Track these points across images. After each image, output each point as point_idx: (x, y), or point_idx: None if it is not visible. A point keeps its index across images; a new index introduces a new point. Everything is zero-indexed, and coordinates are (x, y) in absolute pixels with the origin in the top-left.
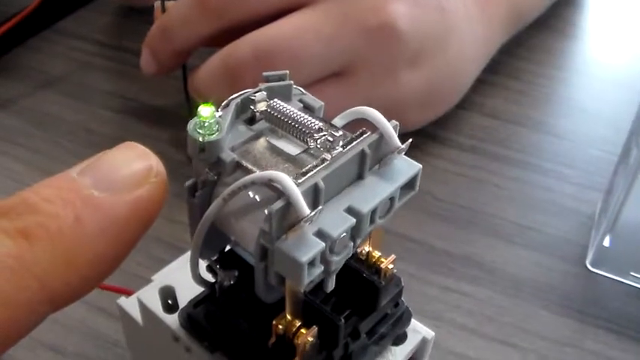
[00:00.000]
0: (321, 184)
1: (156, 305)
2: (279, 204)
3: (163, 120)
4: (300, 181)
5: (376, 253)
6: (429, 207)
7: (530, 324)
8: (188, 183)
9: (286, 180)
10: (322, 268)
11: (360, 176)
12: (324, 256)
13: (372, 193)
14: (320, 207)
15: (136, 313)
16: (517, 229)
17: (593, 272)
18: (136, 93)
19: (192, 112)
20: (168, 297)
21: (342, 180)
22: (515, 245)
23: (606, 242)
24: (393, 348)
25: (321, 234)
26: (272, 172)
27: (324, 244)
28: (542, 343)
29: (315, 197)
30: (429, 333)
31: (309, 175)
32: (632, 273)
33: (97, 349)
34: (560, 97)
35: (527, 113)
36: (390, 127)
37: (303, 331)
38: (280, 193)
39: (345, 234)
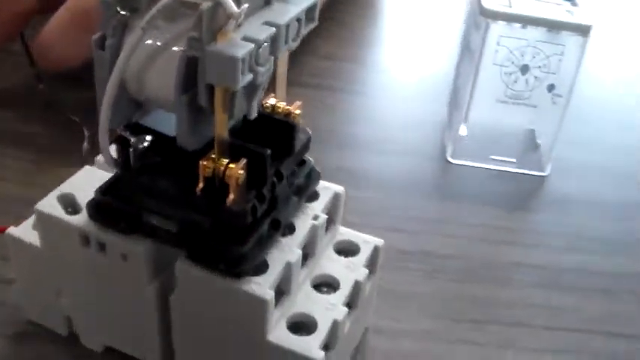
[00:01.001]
0: None
1: (58, 211)
2: (208, 4)
3: (6, 100)
4: None
5: (281, 104)
6: None
7: (410, 212)
8: (95, 36)
9: None
10: (251, 76)
11: (267, 2)
12: (252, 65)
13: (283, 12)
14: (245, 4)
15: (31, 237)
16: (378, 142)
17: (455, 164)
18: None
19: (40, 77)
20: (67, 205)
21: (252, 2)
22: (379, 154)
23: (463, 131)
24: (310, 204)
25: (247, 39)
26: None
27: (253, 45)
28: (425, 225)
29: None
30: (339, 188)
31: None
32: (492, 156)
33: None
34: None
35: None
36: None
37: (231, 165)
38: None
39: (266, 44)
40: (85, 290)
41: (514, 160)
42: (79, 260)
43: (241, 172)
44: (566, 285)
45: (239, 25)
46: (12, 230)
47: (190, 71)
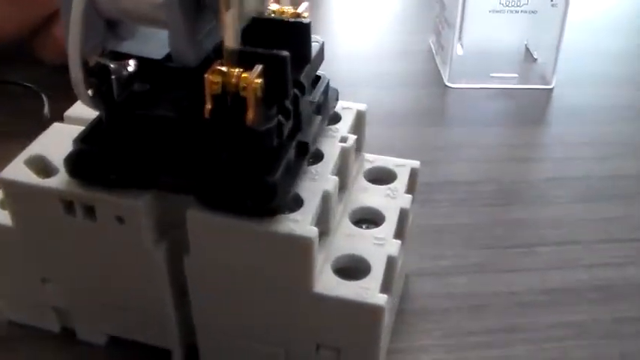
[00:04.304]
0: None
1: (29, 176)
2: None
3: None
4: None
5: (286, 8)
6: None
7: (420, 142)
8: None
9: None
10: None
11: None
12: None
13: None
14: None
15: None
16: (371, 76)
17: (454, 87)
18: None
19: None
20: (39, 170)
21: None
22: (375, 88)
23: (459, 51)
24: (334, 126)
25: None
26: None
27: None
28: (439, 153)
29: None
30: (362, 106)
31: None
32: (492, 74)
33: None
34: None
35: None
36: None
37: (245, 74)
38: None
39: None
40: (76, 271)
41: (516, 75)
42: (63, 233)
43: (259, 80)
44: (607, 194)
45: None
46: None
47: None
